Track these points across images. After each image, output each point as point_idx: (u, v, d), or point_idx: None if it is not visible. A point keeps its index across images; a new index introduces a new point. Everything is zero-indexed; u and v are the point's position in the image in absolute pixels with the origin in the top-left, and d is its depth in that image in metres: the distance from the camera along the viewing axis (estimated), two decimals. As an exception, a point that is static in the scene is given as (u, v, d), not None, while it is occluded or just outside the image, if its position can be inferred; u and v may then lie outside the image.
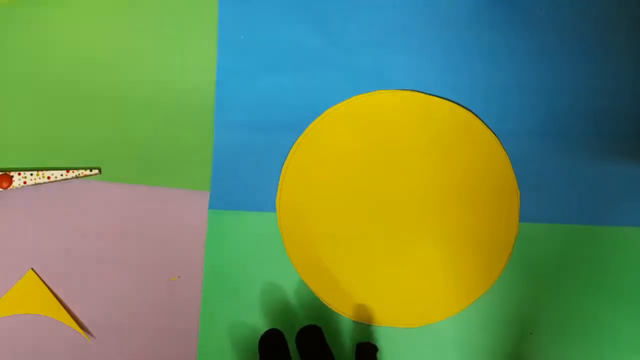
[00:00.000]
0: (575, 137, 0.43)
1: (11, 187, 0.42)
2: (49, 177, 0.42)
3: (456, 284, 0.42)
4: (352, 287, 0.43)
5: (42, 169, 0.43)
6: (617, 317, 0.42)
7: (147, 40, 0.44)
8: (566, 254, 0.43)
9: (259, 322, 0.43)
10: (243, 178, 0.43)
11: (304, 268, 0.43)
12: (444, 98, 0.43)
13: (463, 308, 0.42)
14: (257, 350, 0.39)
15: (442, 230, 0.43)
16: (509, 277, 0.42)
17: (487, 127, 0.43)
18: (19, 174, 0.42)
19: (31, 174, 0.42)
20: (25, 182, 0.42)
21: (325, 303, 0.43)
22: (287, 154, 0.43)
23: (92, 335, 0.43)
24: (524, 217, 0.43)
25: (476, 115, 0.43)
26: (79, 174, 0.43)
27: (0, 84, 0.43)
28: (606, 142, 0.43)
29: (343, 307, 0.43)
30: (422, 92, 0.43)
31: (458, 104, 0.43)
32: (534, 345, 0.42)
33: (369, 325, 0.43)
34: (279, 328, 0.40)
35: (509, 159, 0.43)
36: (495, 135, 0.43)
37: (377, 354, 0.40)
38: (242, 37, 0.44)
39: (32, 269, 0.43)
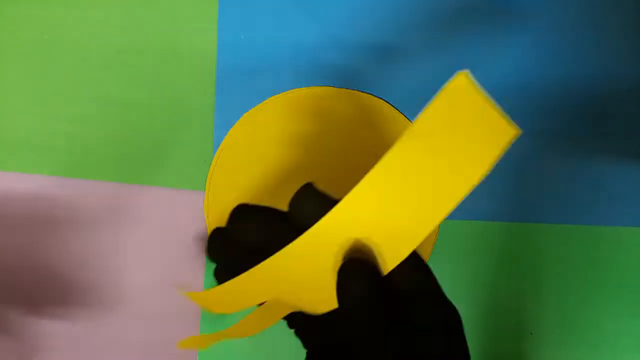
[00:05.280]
0: (575, 136, 0.43)
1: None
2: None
3: None
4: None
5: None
6: (617, 317, 0.42)
7: (147, 39, 0.44)
8: (566, 254, 0.43)
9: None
10: (243, 178, 0.43)
11: None
12: (358, 90, 0.43)
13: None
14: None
15: None
16: (509, 277, 0.42)
17: (402, 114, 0.42)
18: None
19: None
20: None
21: None
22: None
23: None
24: (524, 217, 0.43)
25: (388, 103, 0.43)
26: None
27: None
28: (606, 142, 0.43)
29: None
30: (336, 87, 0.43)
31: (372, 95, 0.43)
32: (534, 345, 0.42)
33: None
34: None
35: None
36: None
37: None
38: (242, 37, 0.44)
39: None
